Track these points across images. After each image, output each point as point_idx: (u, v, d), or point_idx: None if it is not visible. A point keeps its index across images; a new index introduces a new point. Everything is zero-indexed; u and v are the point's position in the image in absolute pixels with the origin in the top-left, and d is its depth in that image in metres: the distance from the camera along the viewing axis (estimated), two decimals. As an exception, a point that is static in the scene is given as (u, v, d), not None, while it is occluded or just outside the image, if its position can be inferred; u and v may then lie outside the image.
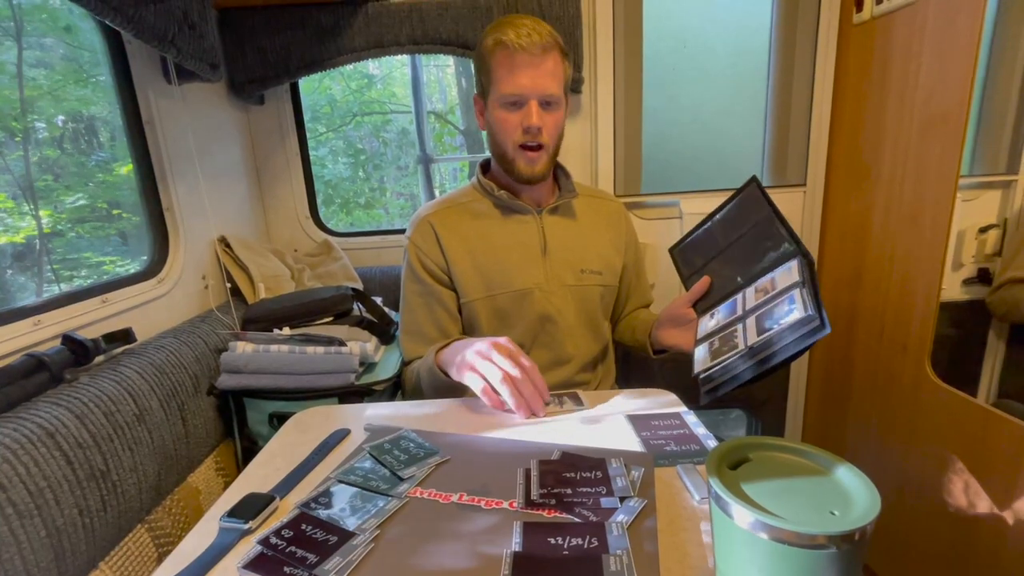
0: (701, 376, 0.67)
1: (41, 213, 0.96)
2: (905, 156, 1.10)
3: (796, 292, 0.63)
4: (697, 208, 1.36)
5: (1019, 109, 1.17)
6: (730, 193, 0.87)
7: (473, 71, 0.96)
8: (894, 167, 1.14)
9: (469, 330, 0.98)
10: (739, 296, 0.74)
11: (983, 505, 0.96)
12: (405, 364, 0.98)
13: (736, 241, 0.81)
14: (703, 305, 0.83)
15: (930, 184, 1.04)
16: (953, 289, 1.25)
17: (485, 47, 0.89)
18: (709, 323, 0.76)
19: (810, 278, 0.64)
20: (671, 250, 0.95)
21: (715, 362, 0.65)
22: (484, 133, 0.96)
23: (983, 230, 1.23)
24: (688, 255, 0.92)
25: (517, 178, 0.93)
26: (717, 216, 0.87)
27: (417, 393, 0.91)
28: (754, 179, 0.84)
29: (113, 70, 0.94)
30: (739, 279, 0.76)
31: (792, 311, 0.60)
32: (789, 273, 0.67)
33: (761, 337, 0.61)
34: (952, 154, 0.98)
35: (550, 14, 1.22)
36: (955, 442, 1.01)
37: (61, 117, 1.03)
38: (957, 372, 1.11)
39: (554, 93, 0.88)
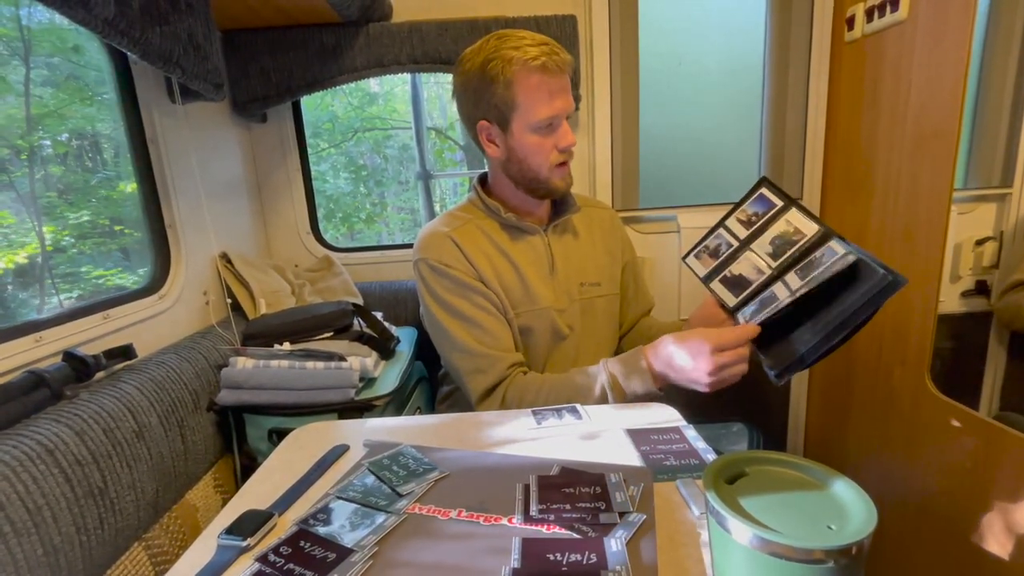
0: (771, 361, 0.69)
1: (45, 229, 0.97)
2: (899, 172, 1.12)
3: (855, 259, 0.66)
4: (695, 222, 1.37)
5: (1012, 123, 1.19)
6: (730, 205, 0.87)
7: (470, 95, 0.88)
8: (887, 182, 1.15)
9: None
10: (777, 284, 0.75)
11: (986, 519, 0.95)
12: (493, 386, 0.86)
13: (755, 234, 0.81)
14: (734, 302, 0.83)
15: (924, 199, 1.05)
16: (951, 302, 1.25)
17: (508, 71, 0.82)
18: (747, 313, 0.76)
19: (858, 249, 0.67)
20: (684, 259, 0.95)
21: (785, 344, 0.68)
22: (489, 158, 0.93)
23: (980, 242, 1.24)
24: (704, 259, 0.91)
25: (551, 194, 0.93)
26: (727, 219, 0.87)
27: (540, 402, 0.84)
28: (765, 179, 0.84)
29: (118, 89, 0.96)
30: (770, 267, 0.77)
31: (860, 275, 0.64)
32: (831, 250, 0.69)
33: (832, 307, 0.64)
34: (945, 169, 0.99)
35: (547, 33, 1.23)
36: (957, 455, 1.01)
37: (66, 134, 1.05)
38: (958, 385, 1.11)
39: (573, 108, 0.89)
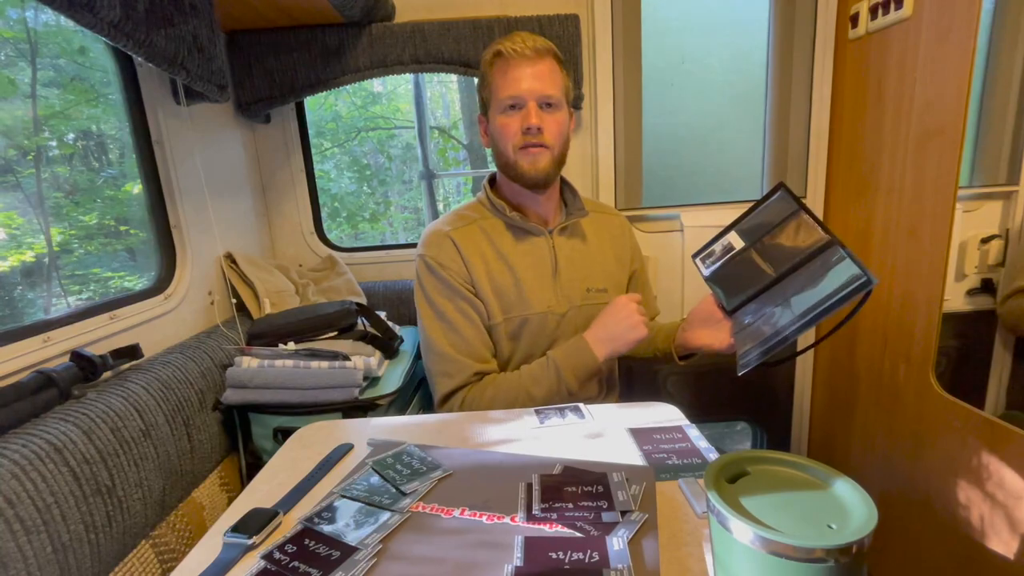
0: (745, 350, 0.70)
1: (51, 230, 0.98)
2: (903, 169, 1.11)
3: (841, 259, 0.67)
4: (698, 221, 1.37)
5: (1017, 120, 1.18)
6: (735, 205, 0.87)
7: (477, 93, 0.98)
8: (892, 180, 1.15)
9: None
10: (776, 288, 0.75)
11: (991, 518, 0.95)
12: (454, 390, 0.89)
13: (763, 239, 0.81)
14: (733, 303, 0.83)
15: (928, 196, 1.05)
16: (957, 300, 1.25)
17: (484, 63, 0.92)
18: (745, 318, 0.77)
19: (850, 253, 0.68)
20: (694, 256, 0.95)
21: (762, 338, 0.69)
22: (490, 152, 0.97)
23: (985, 240, 1.24)
24: (711, 258, 0.91)
25: (522, 181, 0.91)
26: (742, 222, 0.87)
27: (502, 404, 0.87)
28: (782, 184, 0.84)
29: (123, 91, 0.97)
30: (772, 272, 0.77)
31: (836, 273, 0.65)
32: (830, 255, 0.70)
33: (810, 302, 0.65)
34: (950, 167, 0.98)
35: (550, 33, 1.24)
36: (962, 454, 1.01)
37: (72, 135, 1.06)
38: (963, 383, 1.10)
39: (552, 95, 0.89)
